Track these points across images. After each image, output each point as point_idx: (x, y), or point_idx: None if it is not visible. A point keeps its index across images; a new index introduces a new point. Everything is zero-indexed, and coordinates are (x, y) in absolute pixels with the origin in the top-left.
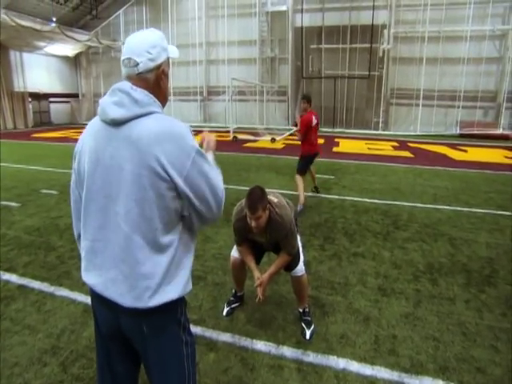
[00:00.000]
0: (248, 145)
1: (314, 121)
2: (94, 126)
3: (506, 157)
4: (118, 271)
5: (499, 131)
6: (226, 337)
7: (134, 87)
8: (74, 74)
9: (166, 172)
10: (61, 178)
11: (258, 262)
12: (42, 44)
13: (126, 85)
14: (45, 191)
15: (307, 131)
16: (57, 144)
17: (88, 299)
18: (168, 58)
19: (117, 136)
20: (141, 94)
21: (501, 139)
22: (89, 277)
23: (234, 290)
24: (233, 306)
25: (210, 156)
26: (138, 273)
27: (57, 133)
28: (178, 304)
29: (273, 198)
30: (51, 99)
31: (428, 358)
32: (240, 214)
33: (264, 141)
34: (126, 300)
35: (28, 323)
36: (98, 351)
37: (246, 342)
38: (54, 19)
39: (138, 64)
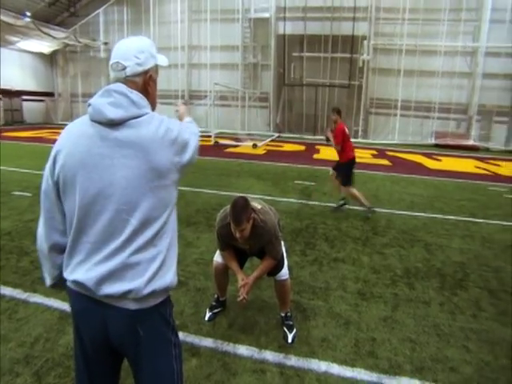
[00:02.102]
0: (229, 150)
1: (347, 130)
2: (80, 127)
3: (476, 167)
4: (119, 262)
5: (470, 142)
6: (208, 342)
7: (130, 89)
8: (49, 72)
9: (172, 163)
10: (34, 179)
11: (241, 267)
12: (14, 39)
13: (122, 87)
14: (17, 193)
15: (344, 140)
16: (30, 144)
17: (65, 305)
18: (156, 66)
19: (113, 136)
20: (137, 96)
21: (472, 150)
22: (80, 273)
23: (216, 296)
24: (215, 311)
25: (187, 120)
26: (141, 259)
27: (30, 132)
28: (167, 305)
29: (256, 205)
30: (24, 97)
31: (405, 359)
32: (224, 221)
33: (245, 146)
34: (124, 286)
35: None
36: (78, 361)
37: (228, 346)
38: (29, 14)
39: (125, 68)
